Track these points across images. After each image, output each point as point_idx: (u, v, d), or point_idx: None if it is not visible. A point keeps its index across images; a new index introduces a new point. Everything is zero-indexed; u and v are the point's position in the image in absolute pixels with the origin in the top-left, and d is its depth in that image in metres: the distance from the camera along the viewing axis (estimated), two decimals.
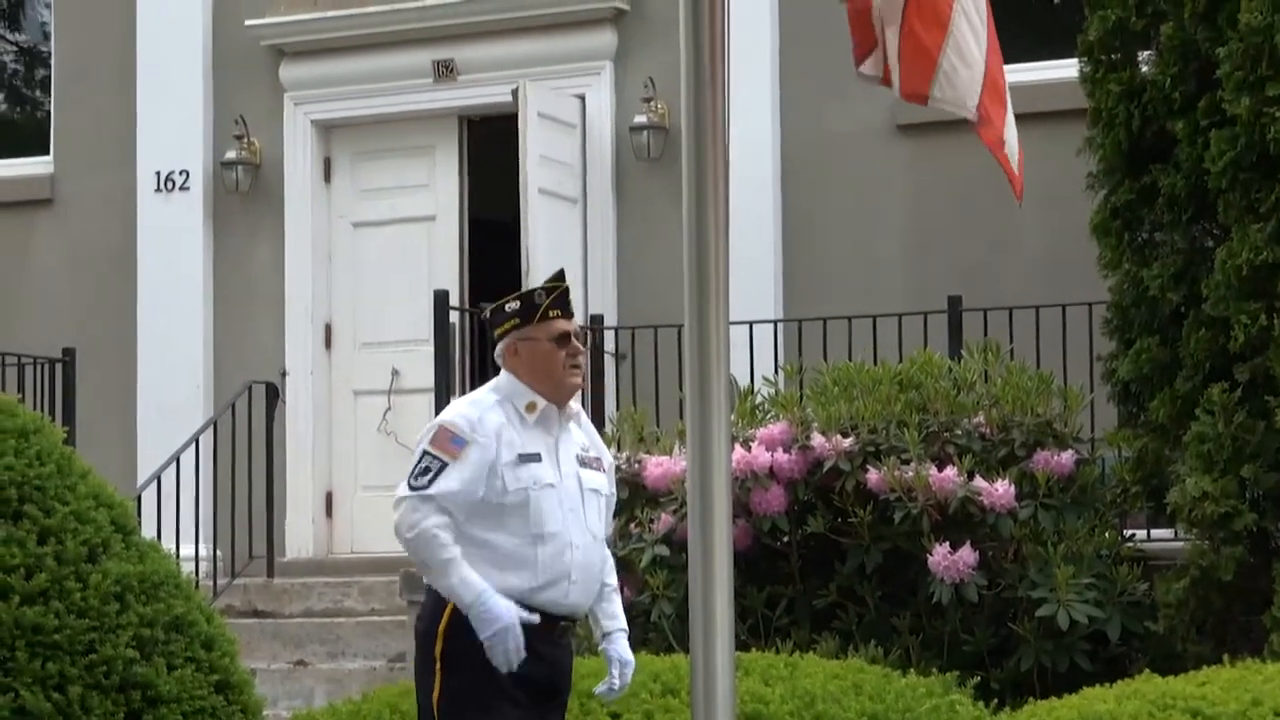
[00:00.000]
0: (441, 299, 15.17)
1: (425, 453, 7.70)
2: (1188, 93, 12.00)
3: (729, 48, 6.63)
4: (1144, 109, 12.09)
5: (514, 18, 17.36)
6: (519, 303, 8.08)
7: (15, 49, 19.99)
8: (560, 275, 8.93)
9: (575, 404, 8.29)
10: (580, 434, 8.19)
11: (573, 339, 8.09)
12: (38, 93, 19.65)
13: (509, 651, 7.50)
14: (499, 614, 7.51)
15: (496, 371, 8.14)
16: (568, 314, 8.09)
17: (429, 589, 8.19)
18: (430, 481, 7.61)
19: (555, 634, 8.05)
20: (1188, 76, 11.99)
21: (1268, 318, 11.48)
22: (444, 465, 7.69)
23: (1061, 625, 12.02)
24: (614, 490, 8.57)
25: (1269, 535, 11.70)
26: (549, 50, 17.26)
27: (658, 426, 13.58)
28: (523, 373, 7.99)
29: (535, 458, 7.87)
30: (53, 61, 19.15)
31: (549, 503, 7.87)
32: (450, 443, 7.74)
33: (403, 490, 7.64)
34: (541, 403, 7.96)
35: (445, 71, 17.54)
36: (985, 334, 14.30)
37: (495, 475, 7.83)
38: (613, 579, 8.33)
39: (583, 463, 8.08)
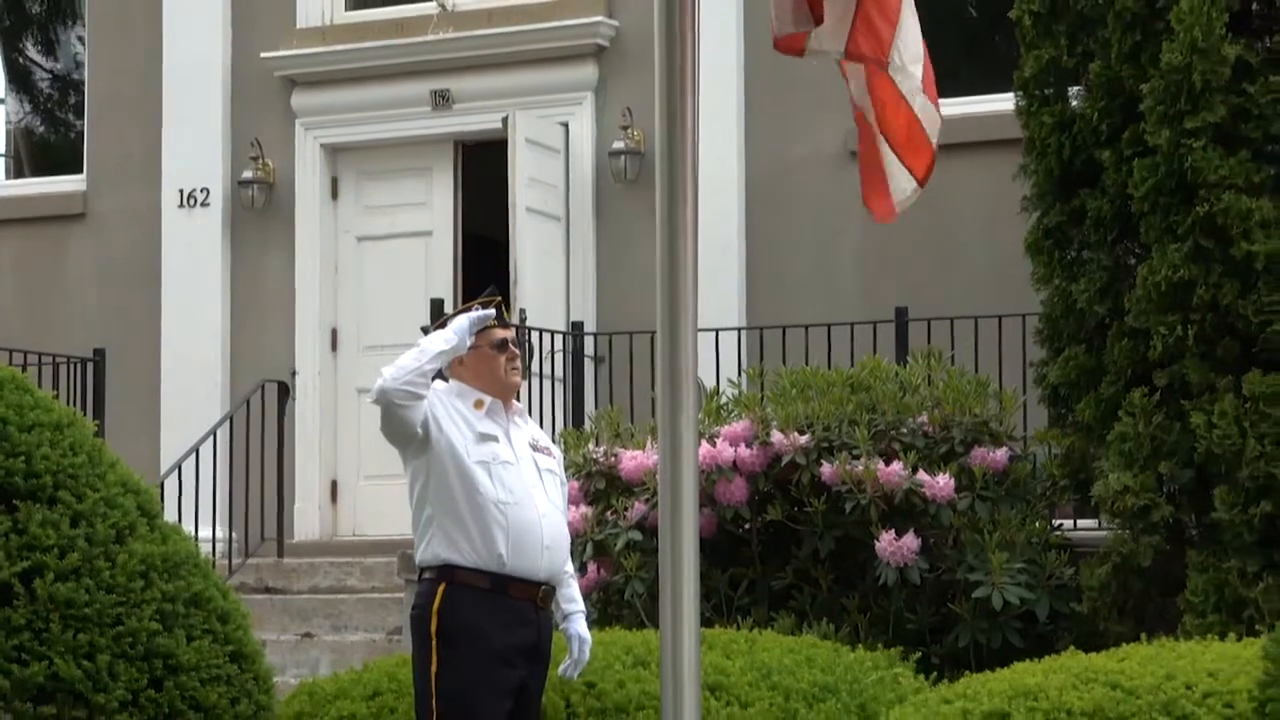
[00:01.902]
0: (437, 306, 15.14)
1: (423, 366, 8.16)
2: (1113, 125, 12.01)
3: (699, 82, 6.64)
4: (1074, 139, 12.10)
5: (504, 52, 17.37)
6: (472, 312, 8.29)
7: (51, 76, 19.96)
8: (494, 290, 9.12)
9: (518, 404, 8.59)
10: (528, 429, 8.53)
11: (510, 345, 8.46)
12: (71, 116, 19.63)
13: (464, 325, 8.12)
14: (426, 348, 8.11)
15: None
16: (504, 324, 8.50)
17: (422, 575, 8.31)
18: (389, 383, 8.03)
19: (538, 601, 8.14)
20: (1114, 110, 12.00)
21: (1183, 329, 11.52)
22: (392, 391, 8.04)
23: (995, 606, 12.05)
24: (565, 476, 8.89)
25: (1183, 526, 11.74)
26: (536, 82, 17.26)
27: (632, 423, 13.58)
28: (469, 377, 8.36)
29: (494, 438, 8.13)
30: (85, 88, 19.12)
31: (512, 475, 8.14)
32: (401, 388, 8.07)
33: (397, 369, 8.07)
34: (488, 399, 8.29)
35: (442, 101, 17.54)
36: (929, 342, 14.33)
37: (460, 444, 8.02)
38: (571, 568, 8.52)
39: (535, 448, 8.40)
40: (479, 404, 8.23)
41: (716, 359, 14.78)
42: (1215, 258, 11.56)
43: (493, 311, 8.39)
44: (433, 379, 8.13)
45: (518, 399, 8.64)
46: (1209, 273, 11.55)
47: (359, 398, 16.83)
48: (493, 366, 8.33)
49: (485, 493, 8.09)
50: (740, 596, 12.32)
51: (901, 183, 7.17)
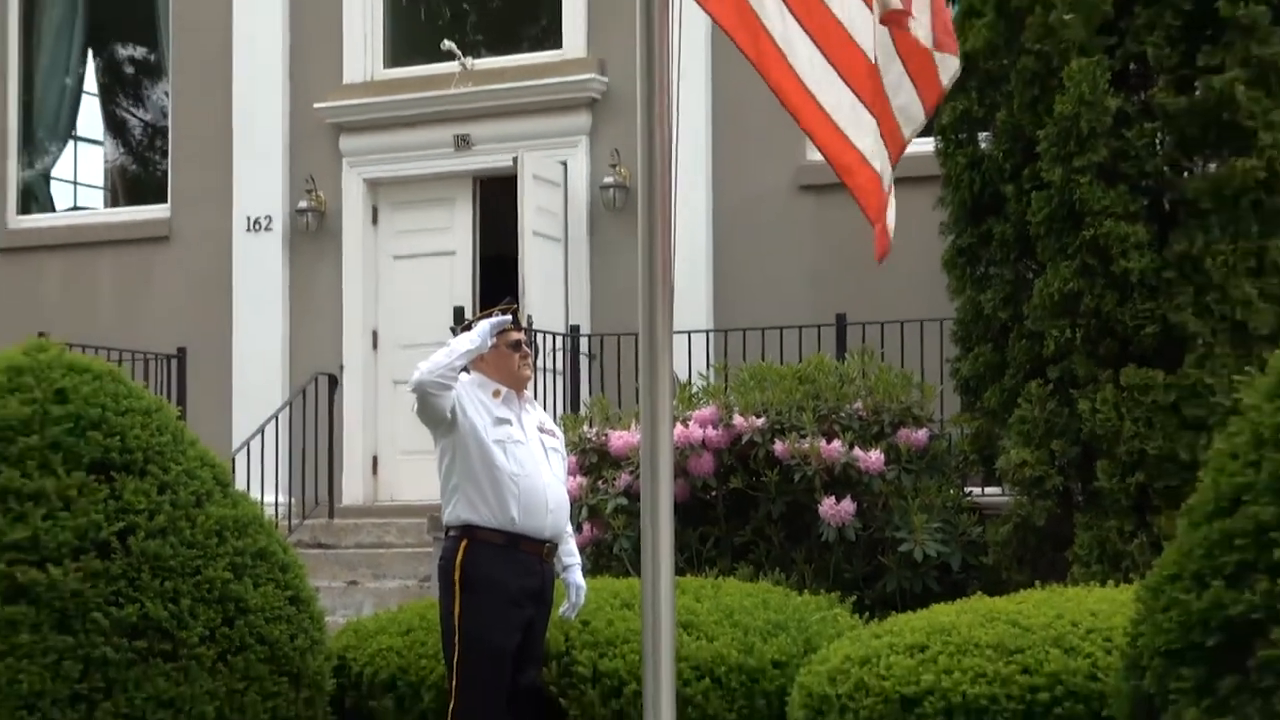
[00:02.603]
0: (459, 312, 15.17)
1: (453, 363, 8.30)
2: (1015, 164, 12.01)
3: (675, 128, 6.66)
4: (982, 175, 12.11)
5: (515, 103, 17.34)
6: (491, 318, 8.49)
7: (142, 124, 19.92)
8: (510, 300, 9.29)
9: (528, 393, 8.77)
10: (536, 414, 8.68)
11: (523, 345, 8.74)
12: (157, 156, 19.61)
13: (458, 350, 8.21)
14: (453, 348, 8.27)
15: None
16: (518, 328, 8.70)
17: (448, 533, 8.42)
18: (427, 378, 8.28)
19: (543, 555, 8.22)
20: (1015, 151, 12.00)
21: (1072, 331, 11.54)
22: (432, 394, 8.27)
23: (917, 558, 12.10)
24: (565, 453, 9.09)
25: (1071, 493, 11.75)
26: (541, 128, 17.25)
27: (620, 409, 13.59)
28: (489, 371, 8.51)
29: (508, 421, 8.25)
30: (170, 133, 19.09)
31: (523, 452, 8.23)
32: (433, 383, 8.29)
33: (430, 366, 8.25)
34: (504, 390, 8.48)
35: (463, 143, 17.52)
36: (863, 342, 14.40)
37: (481, 428, 8.09)
38: (570, 528, 8.74)
39: (541, 430, 8.58)
40: (496, 393, 8.35)
41: (689, 356, 14.82)
42: (1098, 273, 11.58)
43: (510, 317, 8.50)
44: (459, 371, 8.20)
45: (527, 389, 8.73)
46: (1093, 285, 11.57)
47: (395, 388, 16.83)
48: (509, 363, 8.45)
49: (501, 466, 8.19)
50: (708, 550, 12.36)
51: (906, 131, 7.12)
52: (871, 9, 7.04)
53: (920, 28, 7.05)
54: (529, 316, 13.43)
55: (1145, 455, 11.34)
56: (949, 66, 7.20)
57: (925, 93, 7.16)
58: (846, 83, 7.04)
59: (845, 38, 7.05)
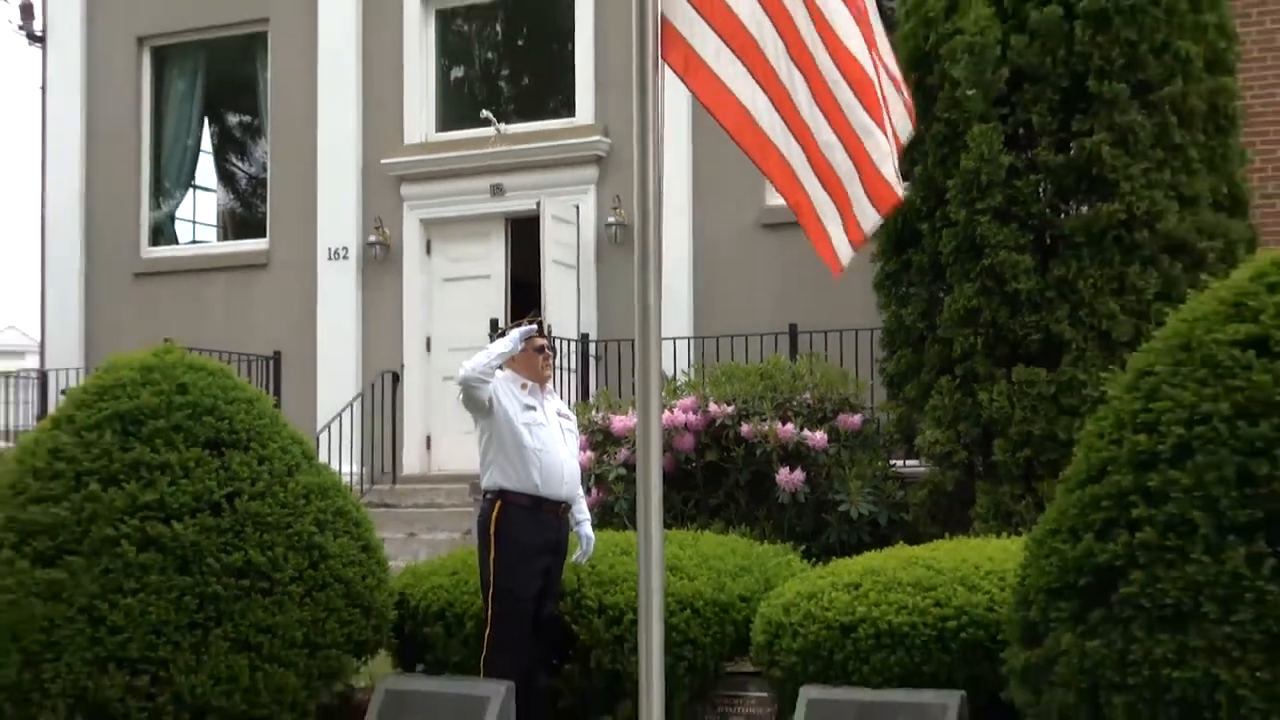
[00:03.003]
0: (494, 323, 15.14)
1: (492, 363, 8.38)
2: (930, 207, 11.98)
3: (661, 180, 6.64)
4: (904, 216, 12.08)
5: (538, 159, 17.34)
6: (520, 327, 8.61)
7: (246, 174, 19.91)
8: (536, 312, 9.36)
9: (549, 386, 8.75)
10: (555, 402, 8.72)
11: (545, 349, 8.76)
12: (258, 200, 19.59)
13: (495, 352, 8.28)
14: (490, 351, 8.33)
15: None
16: (541, 335, 8.74)
17: (485, 496, 8.47)
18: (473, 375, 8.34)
19: (559, 513, 8.25)
20: (930, 198, 11.98)
21: (974, 339, 11.54)
22: (476, 390, 8.37)
23: (853, 516, 12.10)
24: (578, 433, 9.18)
25: (973, 464, 11.73)
26: (558, 179, 17.23)
27: (619, 398, 13.60)
28: (518, 369, 8.56)
29: (533, 408, 8.28)
30: (268, 181, 19.10)
31: (544, 433, 8.27)
32: (475, 384, 8.37)
33: (472, 364, 8.31)
34: (530, 384, 8.52)
35: (497, 191, 17.51)
36: (810, 347, 14.48)
37: (514, 414, 8.15)
38: (581, 492, 8.74)
39: (559, 415, 8.64)
40: (524, 386, 8.39)
41: (674, 358, 14.77)
42: (994, 293, 11.57)
43: (535, 327, 8.57)
44: (494, 370, 8.22)
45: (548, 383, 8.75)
46: (990, 302, 11.57)
47: (444, 383, 16.81)
48: (534, 362, 8.48)
49: (527, 444, 8.22)
50: (689, 510, 12.35)
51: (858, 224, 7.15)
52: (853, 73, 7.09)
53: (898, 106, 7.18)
54: (549, 326, 13.43)
55: (1031, 435, 11.34)
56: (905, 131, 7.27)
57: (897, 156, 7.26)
58: (811, 130, 7.06)
59: (828, 100, 7.08)
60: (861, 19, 7.18)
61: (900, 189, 7.31)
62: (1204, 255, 11.52)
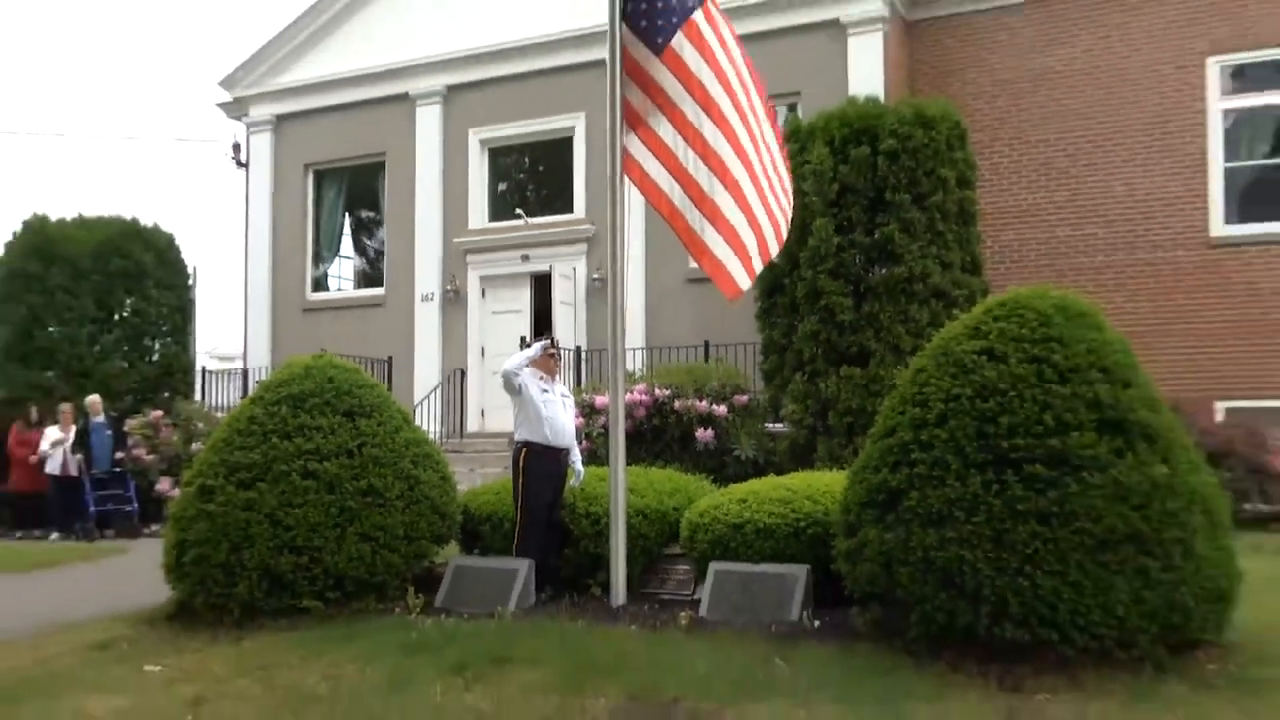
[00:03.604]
0: (522, 339, 15.18)
1: (522, 364, 8.26)
2: (789, 268, 12.04)
3: (624, 251, 6.65)
4: (774, 273, 12.14)
5: (550, 237, 17.26)
6: (541, 342, 8.52)
7: (371, 246, 19.79)
8: (549, 334, 9.43)
9: (558, 378, 8.59)
10: (560, 388, 8.60)
11: (554, 355, 8.55)
12: (379, 263, 19.46)
13: (524, 357, 8.22)
14: (521, 356, 8.23)
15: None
16: (553, 346, 8.57)
17: (514, 444, 8.34)
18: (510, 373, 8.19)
19: (560, 456, 8.22)
20: (789, 263, 12.03)
21: (816, 349, 11.59)
22: (512, 380, 8.23)
23: (743, 458, 12.18)
24: (574, 406, 8.98)
25: (816, 426, 11.77)
26: (563, 251, 17.13)
27: (599, 385, 13.59)
28: (538, 367, 8.46)
29: (547, 391, 8.28)
30: (385, 250, 19.02)
31: (553, 406, 8.19)
32: (510, 378, 8.21)
33: (509, 364, 8.24)
34: (545, 376, 8.47)
35: (525, 259, 17.46)
36: (719, 354, 14.42)
37: (536, 396, 8.16)
38: (575, 443, 8.56)
39: (563, 396, 8.47)
40: (541, 377, 8.34)
41: (633, 360, 14.70)
42: (828, 322, 11.62)
43: (549, 342, 8.52)
44: (524, 368, 8.17)
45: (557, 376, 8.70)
46: (825, 327, 11.63)
47: (492, 377, 16.79)
48: (548, 364, 8.43)
49: (543, 413, 8.18)
50: (642, 455, 12.27)
51: (750, 261, 7.20)
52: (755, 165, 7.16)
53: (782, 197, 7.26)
54: (557, 341, 13.36)
55: (851, 409, 11.40)
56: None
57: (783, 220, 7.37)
58: (714, 213, 7.14)
59: (730, 184, 7.17)
60: (756, 127, 7.27)
61: (776, 246, 7.38)
62: (956, 299, 11.63)
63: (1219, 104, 14.55)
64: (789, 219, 7.40)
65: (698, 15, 7.26)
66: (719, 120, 7.13)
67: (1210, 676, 5.59)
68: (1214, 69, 14.57)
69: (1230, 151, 14.52)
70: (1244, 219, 14.37)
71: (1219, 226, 14.43)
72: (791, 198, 7.59)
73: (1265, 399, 13.83)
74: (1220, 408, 13.79)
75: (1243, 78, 14.54)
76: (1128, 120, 14.88)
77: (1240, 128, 14.59)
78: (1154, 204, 14.72)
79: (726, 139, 7.13)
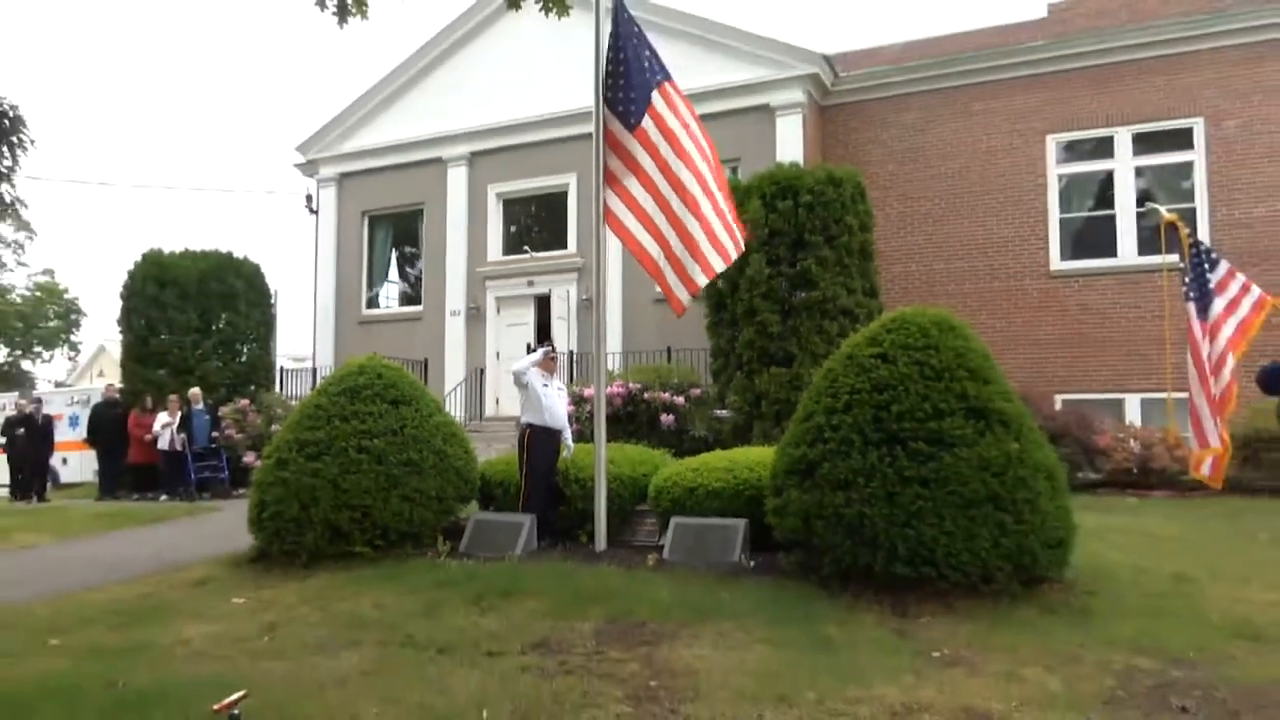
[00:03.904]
0: (528, 346, 15.03)
1: (529, 366, 8.04)
2: (731, 290, 11.96)
3: (606, 278, 6.57)
4: (719, 292, 12.08)
5: (549, 268, 17.08)
6: (543, 348, 8.31)
7: (411, 273, 19.55)
8: (550, 341, 9.20)
9: (557, 374, 8.49)
10: (558, 382, 8.46)
11: (553, 358, 8.38)
12: (418, 287, 19.23)
13: (530, 360, 7.98)
14: (527, 360, 7.97)
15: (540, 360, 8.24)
16: (553, 351, 8.46)
17: (520, 426, 8.21)
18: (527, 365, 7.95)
19: (556, 437, 8.08)
20: (732, 288, 11.97)
21: (752, 354, 11.52)
22: (520, 378, 7.95)
23: (696, 437, 12.02)
24: (568, 395, 8.93)
25: (753, 413, 11.68)
26: (559, 278, 16.94)
27: (587, 379, 13.47)
28: (541, 367, 8.27)
29: (548, 385, 8.18)
30: (422, 279, 18.80)
31: (552, 396, 7.99)
32: (532, 368, 7.99)
33: (519, 365, 8.00)
34: (546, 373, 8.25)
35: (530, 284, 17.28)
36: (680, 356, 14.30)
37: (539, 389, 7.97)
38: (568, 426, 8.34)
39: (559, 387, 8.28)
40: (543, 375, 8.19)
41: (612, 362, 14.63)
42: (762, 333, 11.56)
43: (551, 348, 8.40)
44: (530, 369, 8.06)
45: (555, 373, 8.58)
46: (760, 337, 11.56)
47: (504, 374, 16.65)
48: (550, 365, 8.29)
49: (544, 403, 8.05)
50: (619, 434, 12.16)
51: (695, 276, 7.03)
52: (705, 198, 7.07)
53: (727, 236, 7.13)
54: (554, 346, 13.31)
55: (779, 399, 11.34)
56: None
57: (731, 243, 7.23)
58: (668, 241, 7.06)
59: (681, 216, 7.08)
60: (706, 182, 7.20)
61: (720, 265, 7.25)
62: (858, 316, 11.61)
63: (1055, 170, 14.71)
64: (739, 243, 7.31)
65: (659, 102, 7.24)
66: (673, 180, 7.14)
67: (1053, 604, 5.62)
68: (1051, 144, 14.72)
69: (1064, 205, 14.67)
70: (1074, 257, 14.51)
71: (1056, 262, 14.56)
72: (739, 229, 7.49)
73: (1092, 393, 13.95)
74: (1058, 399, 13.90)
75: (1072, 150, 14.71)
76: (987, 182, 15.01)
77: (1071, 188, 14.74)
78: (1007, 245, 14.84)
79: (676, 192, 7.12)
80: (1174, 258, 9.55)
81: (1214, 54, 13.84)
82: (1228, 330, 8.32)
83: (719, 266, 7.07)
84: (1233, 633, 5.12)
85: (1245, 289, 8.58)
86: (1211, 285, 8.54)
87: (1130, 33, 14.17)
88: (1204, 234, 13.54)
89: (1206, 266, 8.61)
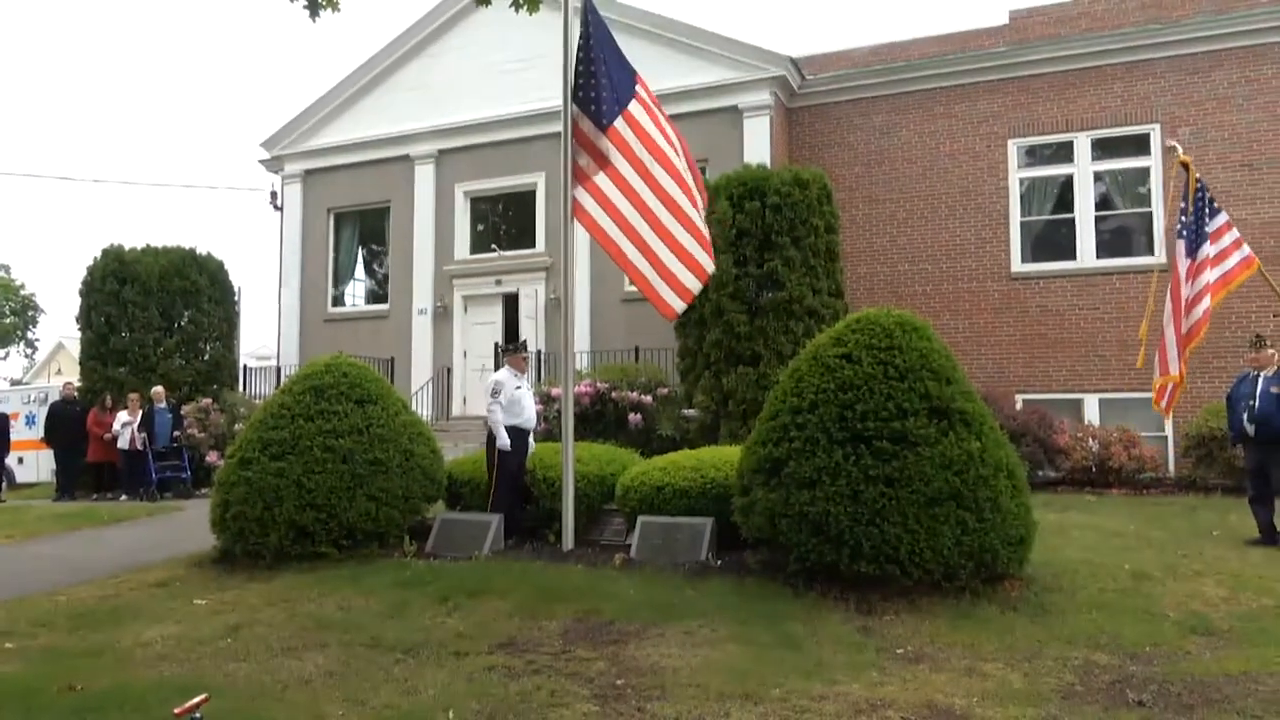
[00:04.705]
0: (497, 346, 14.89)
1: (493, 390, 7.78)
2: (703, 300, 12.00)
3: (573, 278, 6.55)
4: (694, 311, 12.10)
5: (517, 266, 16.98)
6: (515, 348, 8.13)
7: (378, 272, 19.31)
8: (522, 341, 9.09)
9: (527, 374, 8.39)
10: (527, 379, 8.32)
11: (524, 358, 8.24)
12: (384, 285, 19.01)
13: (507, 439, 7.71)
14: (505, 437, 7.71)
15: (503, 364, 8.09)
16: (524, 351, 8.26)
17: (486, 427, 8.08)
18: (494, 398, 7.59)
19: (526, 437, 8.03)
20: (705, 299, 12.01)
21: (719, 354, 11.56)
22: (497, 394, 7.67)
23: (664, 436, 12.01)
24: (534, 395, 8.78)
25: (720, 412, 11.73)
26: (528, 277, 16.83)
27: (555, 379, 13.42)
28: (513, 366, 8.08)
29: (521, 386, 7.92)
30: (389, 275, 18.63)
31: (524, 395, 7.90)
32: (498, 390, 7.73)
33: (489, 404, 7.74)
34: (518, 373, 8.00)
35: (498, 283, 17.16)
36: (647, 356, 14.28)
37: (511, 391, 7.89)
38: (535, 425, 8.31)
39: (528, 387, 8.16)
40: (515, 374, 8.11)
41: (581, 361, 14.57)
42: (729, 333, 11.60)
43: (525, 345, 8.30)
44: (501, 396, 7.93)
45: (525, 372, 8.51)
46: (727, 337, 11.60)
47: (470, 374, 16.54)
48: (521, 365, 8.21)
49: (517, 403, 7.97)
50: (587, 433, 12.12)
51: (686, 284, 6.99)
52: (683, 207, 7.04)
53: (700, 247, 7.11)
54: (525, 345, 13.30)
55: (746, 399, 11.39)
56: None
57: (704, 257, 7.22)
58: (649, 245, 7.04)
59: (659, 223, 7.06)
60: (686, 186, 7.19)
61: (711, 267, 7.24)
62: (825, 316, 11.69)
63: (1016, 174, 14.87)
64: (710, 256, 7.32)
65: (633, 104, 7.25)
66: (652, 184, 7.12)
67: (1014, 601, 5.69)
68: (1013, 148, 14.88)
69: (1024, 209, 14.84)
70: (1035, 259, 14.69)
71: (1017, 265, 14.73)
72: (710, 244, 7.48)
73: (1052, 393, 14.14)
74: (1019, 399, 14.07)
75: (1033, 155, 14.88)
76: (950, 186, 15.15)
77: (1031, 192, 14.92)
78: (969, 248, 14.99)
79: (657, 195, 7.11)
80: (1163, 259, 9.61)
81: (1169, 62, 14.11)
82: (1210, 276, 8.43)
83: (711, 268, 7.09)
84: (1188, 628, 5.22)
85: (1237, 244, 8.67)
86: (1208, 231, 8.59)
87: (1089, 40, 14.40)
88: (1160, 237, 13.80)
89: (1207, 212, 8.66)
